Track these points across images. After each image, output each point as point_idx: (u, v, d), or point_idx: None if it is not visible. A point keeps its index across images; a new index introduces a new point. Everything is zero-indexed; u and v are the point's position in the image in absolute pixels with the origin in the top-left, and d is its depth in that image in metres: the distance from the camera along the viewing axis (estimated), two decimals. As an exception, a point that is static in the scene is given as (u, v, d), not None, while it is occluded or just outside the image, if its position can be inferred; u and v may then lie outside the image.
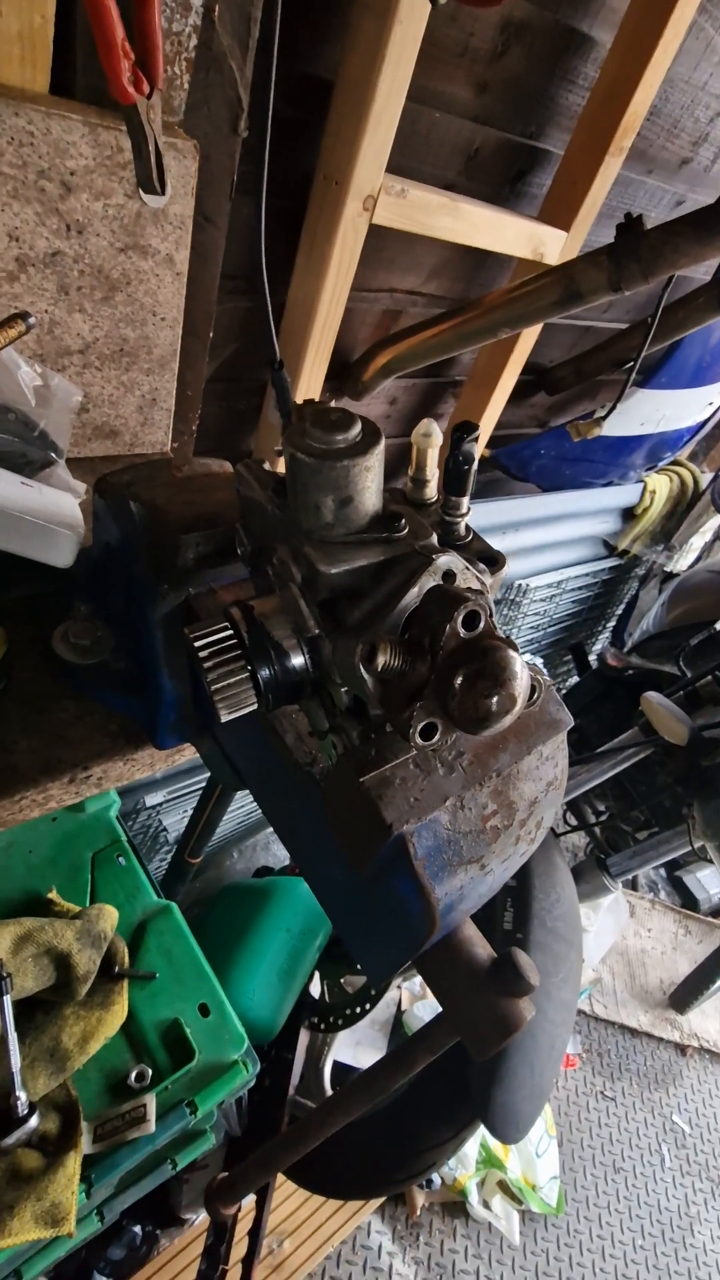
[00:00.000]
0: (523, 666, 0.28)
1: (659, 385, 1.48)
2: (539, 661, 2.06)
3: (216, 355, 1.05)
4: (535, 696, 0.30)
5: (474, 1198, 1.46)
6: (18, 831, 0.90)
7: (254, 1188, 0.61)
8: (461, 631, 0.29)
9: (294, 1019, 1.34)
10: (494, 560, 0.37)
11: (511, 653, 0.28)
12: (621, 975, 2.06)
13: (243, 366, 1.08)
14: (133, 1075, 0.73)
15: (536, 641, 2.11)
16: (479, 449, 0.34)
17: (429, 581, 0.32)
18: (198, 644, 0.36)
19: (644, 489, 1.94)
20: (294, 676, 0.37)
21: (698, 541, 2.30)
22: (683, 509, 2.12)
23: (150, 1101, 0.70)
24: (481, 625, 0.29)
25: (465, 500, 0.36)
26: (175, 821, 1.22)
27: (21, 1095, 0.67)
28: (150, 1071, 0.73)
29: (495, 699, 0.27)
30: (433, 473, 0.37)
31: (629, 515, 2.00)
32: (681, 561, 2.27)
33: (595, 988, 2.01)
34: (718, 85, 1.28)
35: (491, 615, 0.30)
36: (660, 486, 1.98)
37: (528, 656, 1.94)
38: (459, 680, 0.28)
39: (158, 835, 1.22)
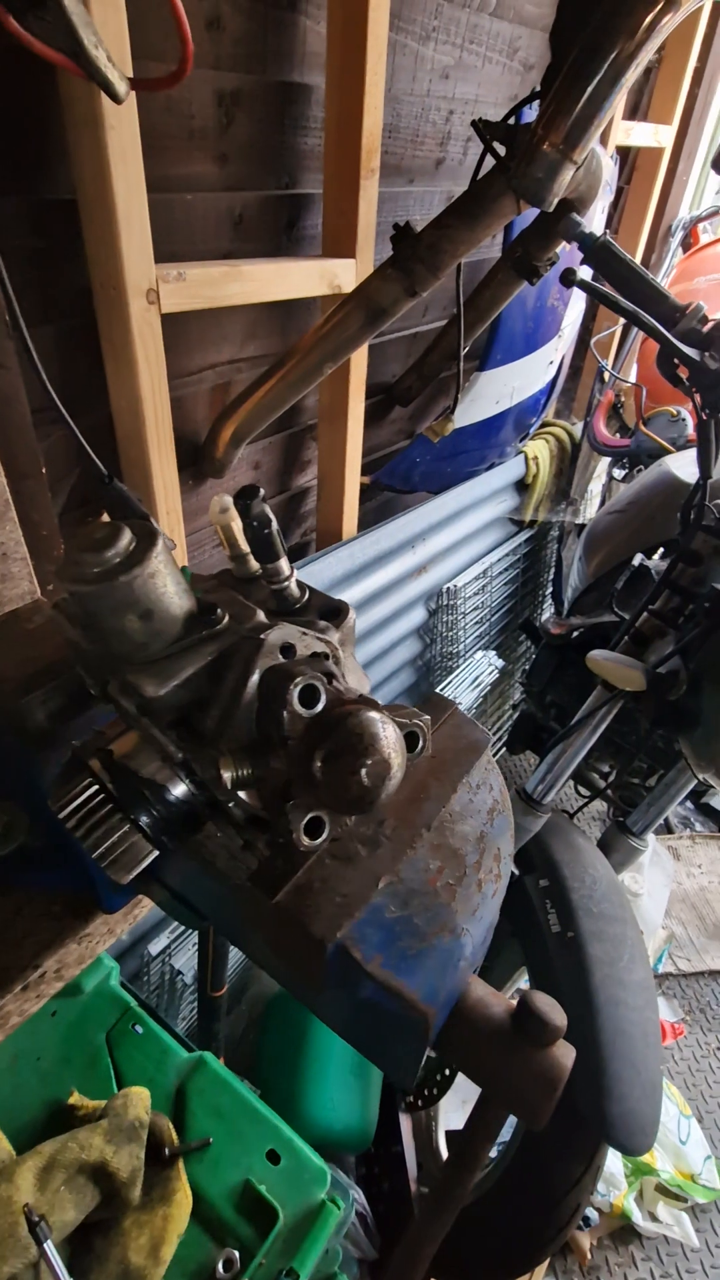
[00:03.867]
0: (385, 723, 0.25)
1: (496, 364, 1.52)
2: (493, 655, 2.06)
3: (61, 487, 1.03)
4: (421, 746, 0.27)
5: (637, 1215, 1.37)
6: (18, 1040, 0.81)
7: None
8: (302, 711, 0.26)
9: (388, 1108, 1.25)
10: (336, 611, 0.34)
11: (368, 714, 0.25)
12: (691, 922, 2.01)
13: (93, 489, 1.06)
14: (220, 1265, 0.65)
15: (486, 634, 2.10)
16: (267, 507, 0.32)
17: (268, 663, 0.29)
18: (62, 814, 0.32)
19: (526, 459, 1.99)
20: (181, 807, 0.33)
21: (595, 487, 2.36)
22: (569, 464, 2.18)
23: (245, 1290, 0.62)
24: (323, 697, 0.26)
25: (283, 563, 0.34)
26: (188, 959, 1.14)
27: (104, 1344, 0.59)
28: (236, 1254, 0.65)
29: (364, 771, 0.24)
30: (246, 546, 0.35)
31: (523, 487, 2.04)
32: (588, 511, 2.32)
33: (671, 945, 1.95)
34: (440, 88, 1.36)
35: (335, 679, 0.27)
36: (540, 451, 2.03)
37: (481, 654, 1.91)
38: (318, 765, 0.25)
39: (175, 981, 1.13)
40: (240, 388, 1.20)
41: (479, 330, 1.34)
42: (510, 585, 2.15)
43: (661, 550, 1.33)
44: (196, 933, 1.14)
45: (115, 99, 0.54)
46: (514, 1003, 0.40)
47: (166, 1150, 0.71)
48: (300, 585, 0.35)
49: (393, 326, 1.33)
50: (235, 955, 1.36)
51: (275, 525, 0.32)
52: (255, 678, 0.28)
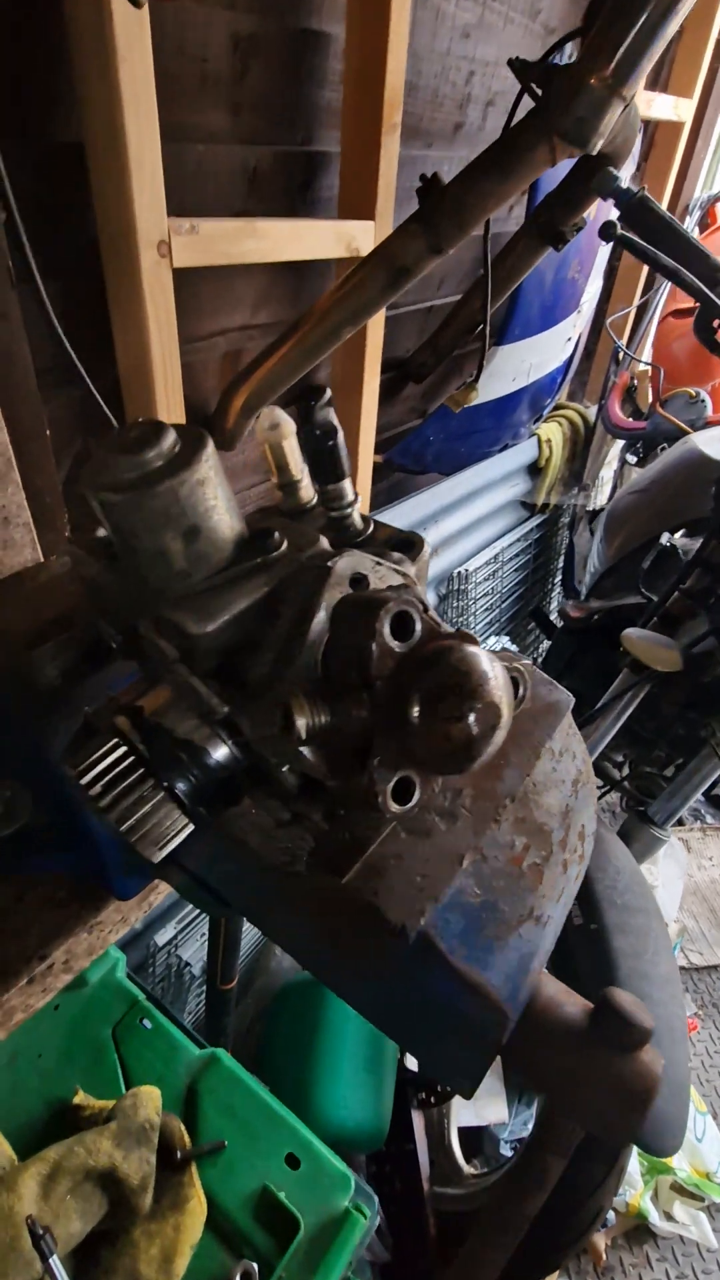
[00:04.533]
0: (492, 661, 0.20)
1: (514, 338, 1.47)
2: (506, 640, 2.01)
3: (65, 454, 0.97)
4: (522, 692, 0.23)
5: (654, 1215, 1.33)
6: (17, 1036, 0.77)
7: None
8: (394, 645, 0.21)
9: (401, 1105, 1.21)
10: (410, 544, 0.30)
11: (471, 648, 0.20)
12: (703, 915, 1.98)
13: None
14: (237, 1278, 0.61)
15: (496, 621, 2.06)
16: (333, 413, 0.27)
17: (336, 596, 0.24)
18: (84, 779, 0.27)
19: (539, 441, 1.94)
20: (221, 773, 0.28)
21: (606, 474, 2.31)
22: (582, 448, 2.13)
23: (266, 1306, 0.58)
24: (419, 627, 0.22)
25: (346, 485, 0.29)
26: (196, 950, 1.10)
27: None
28: (255, 1266, 0.61)
29: (472, 717, 0.20)
30: (299, 469, 0.30)
31: (535, 470, 1.99)
32: (599, 497, 2.27)
33: (684, 938, 1.92)
34: (460, 48, 1.30)
35: (428, 609, 0.23)
36: (554, 434, 1.98)
37: (494, 640, 1.88)
38: (415, 710, 0.20)
39: (182, 973, 1.09)
40: (251, 356, 1.14)
41: (500, 301, 1.29)
42: (521, 571, 2.10)
43: (683, 530, 1.28)
44: (206, 922, 1.09)
45: (134, 1, 0.49)
46: (589, 1003, 0.36)
47: (178, 1154, 0.66)
48: (364, 516, 0.30)
49: (407, 299, 1.27)
50: (245, 945, 1.31)
51: (341, 436, 0.27)
52: (321, 613, 0.23)
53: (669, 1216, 1.35)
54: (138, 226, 0.81)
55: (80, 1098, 0.70)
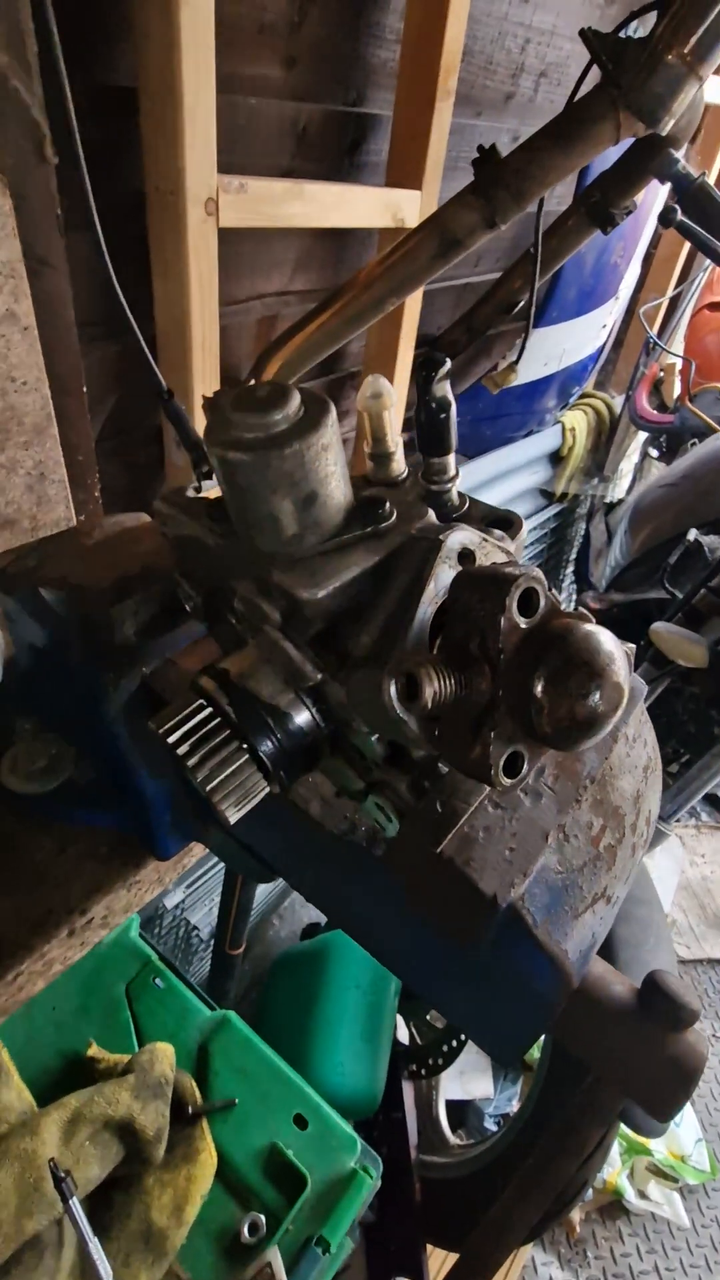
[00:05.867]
0: (616, 642, 0.20)
1: (551, 321, 1.44)
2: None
3: (99, 411, 0.96)
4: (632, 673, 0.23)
5: (629, 1193, 1.38)
6: (33, 989, 0.78)
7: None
8: (521, 621, 0.21)
9: (392, 1076, 1.24)
10: (509, 522, 0.29)
11: (595, 628, 0.20)
12: (693, 910, 2.01)
13: (130, 416, 0.99)
14: (245, 1229, 0.62)
15: (507, 608, 2.06)
16: (449, 387, 0.26)
17: (445, 571, 0.24)
18: (172, 738, 0.27)
19: (563, 429, 1.92)
20: (303, 739, 0.28)
21: (627, 466, 2.29)
22: (605, 438, 2.11)
23: (274, 1257, 0.59)
24: (543, 604, 0.21)
25: (451, 459, 0.29)
26: (204, 916, 1.11)
27: (124, 1304, 0.56)
28: (263, 1217, 0.63)
29: (597, 695, 0.20)
30: (395, 442, 0.30)
31: (557, 459, 1.98)
32: (617, 489, 2.26)
33: (672, 931, 1.95)
34: (517, 13, 1.26)
35: (550, 588, 0.22)
36: (578, 423, 1.95)
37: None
38: (539, 685, 0.20)
39: (189, 936, 1.11)
40: (287, 323, 1.12)
41: (542, 281, 1.26)
42: (535, 560, 2.10)
43: (710, 527, 1.28)
44: (216, 888, 1.10)
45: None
46: (634, 983, 0.36)
47: (190, 1109, 0.68)
48: (460, 492, 0.30)
49: (442, 274, 1.25)
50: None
51: (454, 409, 0.27)
52: (431, 585, 0.23)
53: (643, 1195, 1.39)
54: (187, 182, 0.79)
55: (94, 1050, 0.71)
